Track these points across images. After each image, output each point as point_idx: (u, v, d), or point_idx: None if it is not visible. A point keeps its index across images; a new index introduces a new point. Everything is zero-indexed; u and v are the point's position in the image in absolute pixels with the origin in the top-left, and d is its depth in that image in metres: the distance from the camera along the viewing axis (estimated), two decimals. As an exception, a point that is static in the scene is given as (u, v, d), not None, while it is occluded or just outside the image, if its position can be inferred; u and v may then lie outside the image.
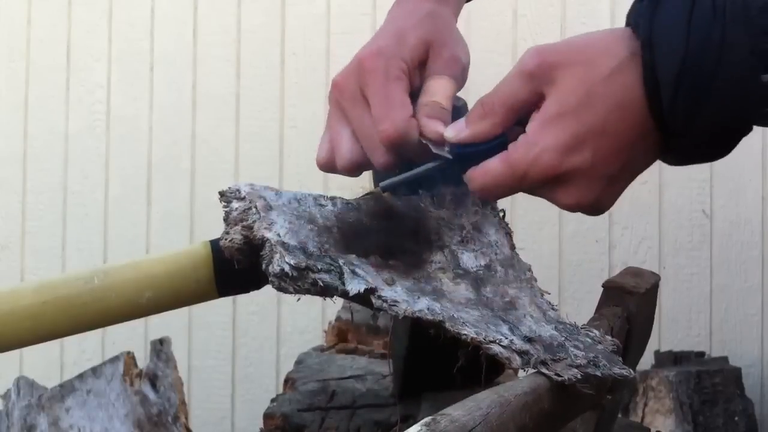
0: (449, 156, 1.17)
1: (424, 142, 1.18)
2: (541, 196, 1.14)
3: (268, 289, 1.18)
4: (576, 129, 1.08)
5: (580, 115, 1.08)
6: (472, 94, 1.19)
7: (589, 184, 1.10)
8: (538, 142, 1.09)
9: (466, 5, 1.38)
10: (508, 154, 1.12)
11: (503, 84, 1.13)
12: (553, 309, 1.12)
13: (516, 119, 1.14)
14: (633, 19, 1.12)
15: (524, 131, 1.13)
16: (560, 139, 1.08)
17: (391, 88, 1.18)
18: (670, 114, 1.09)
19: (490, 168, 1.13)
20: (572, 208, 1.13)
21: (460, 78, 1.24)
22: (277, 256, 1.07)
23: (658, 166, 1.17)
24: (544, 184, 1.11)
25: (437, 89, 1.21)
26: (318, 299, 1.10)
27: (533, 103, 1.11)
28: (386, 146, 1.17)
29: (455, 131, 1.16)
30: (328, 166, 1.23)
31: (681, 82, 1.08)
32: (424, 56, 1.23)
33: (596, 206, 1.13)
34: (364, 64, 1.20)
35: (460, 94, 1.24)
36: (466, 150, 1.16)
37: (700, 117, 1.09)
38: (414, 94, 1.21)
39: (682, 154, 1.15)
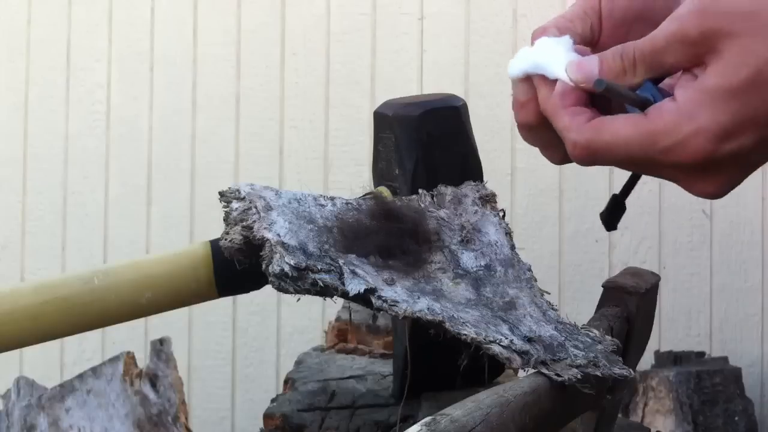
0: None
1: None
2: (666, 177, 0.98)
3: (268, 289, 1.18)
4: (738, 112, 0.92)
5: (746, 96, 0.92)
6: (472, 93, 1.19)
7: (733, 174, 0.97)
8: (693, 119, 0.93)
9: (467, 5, 1.36)
10: (646, 122, 0.95)
11: (654, 41, 0.96)
12: (553, 309, 1.12)
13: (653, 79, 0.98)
14: None
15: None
16: (720, 122, 0.92)
17: None
18: None
19: (617, 129, 0.96)
20: (706, 196, 0.98)
21: None
22: (277, 256, 1.07)
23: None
24: (683, 168, 0.95)
25: None
26: (318, 299, 1.10)
27: (685, 68, 0.95)
28: None
29: (582, 75, 0.98)
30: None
31: None
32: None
33: (723, 194, 0.99)
34: None
35: (459, 94, 1.24)
36: None
37: None
38: None
39: None
